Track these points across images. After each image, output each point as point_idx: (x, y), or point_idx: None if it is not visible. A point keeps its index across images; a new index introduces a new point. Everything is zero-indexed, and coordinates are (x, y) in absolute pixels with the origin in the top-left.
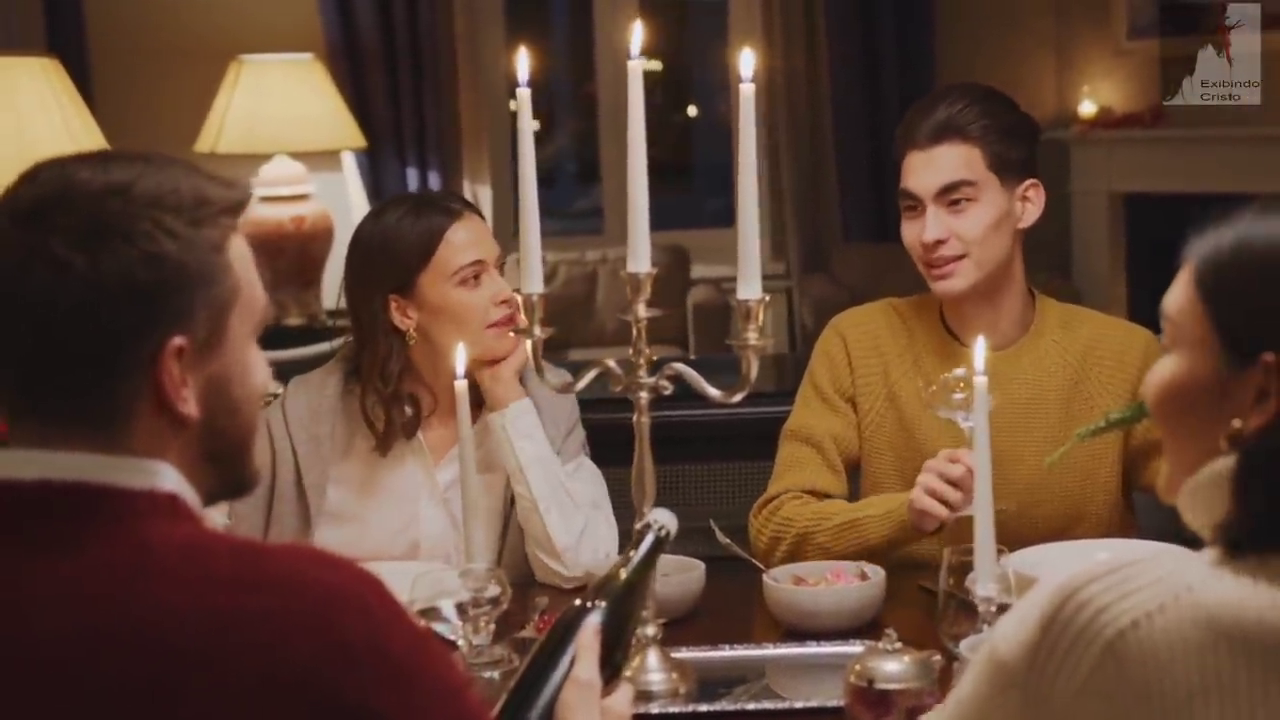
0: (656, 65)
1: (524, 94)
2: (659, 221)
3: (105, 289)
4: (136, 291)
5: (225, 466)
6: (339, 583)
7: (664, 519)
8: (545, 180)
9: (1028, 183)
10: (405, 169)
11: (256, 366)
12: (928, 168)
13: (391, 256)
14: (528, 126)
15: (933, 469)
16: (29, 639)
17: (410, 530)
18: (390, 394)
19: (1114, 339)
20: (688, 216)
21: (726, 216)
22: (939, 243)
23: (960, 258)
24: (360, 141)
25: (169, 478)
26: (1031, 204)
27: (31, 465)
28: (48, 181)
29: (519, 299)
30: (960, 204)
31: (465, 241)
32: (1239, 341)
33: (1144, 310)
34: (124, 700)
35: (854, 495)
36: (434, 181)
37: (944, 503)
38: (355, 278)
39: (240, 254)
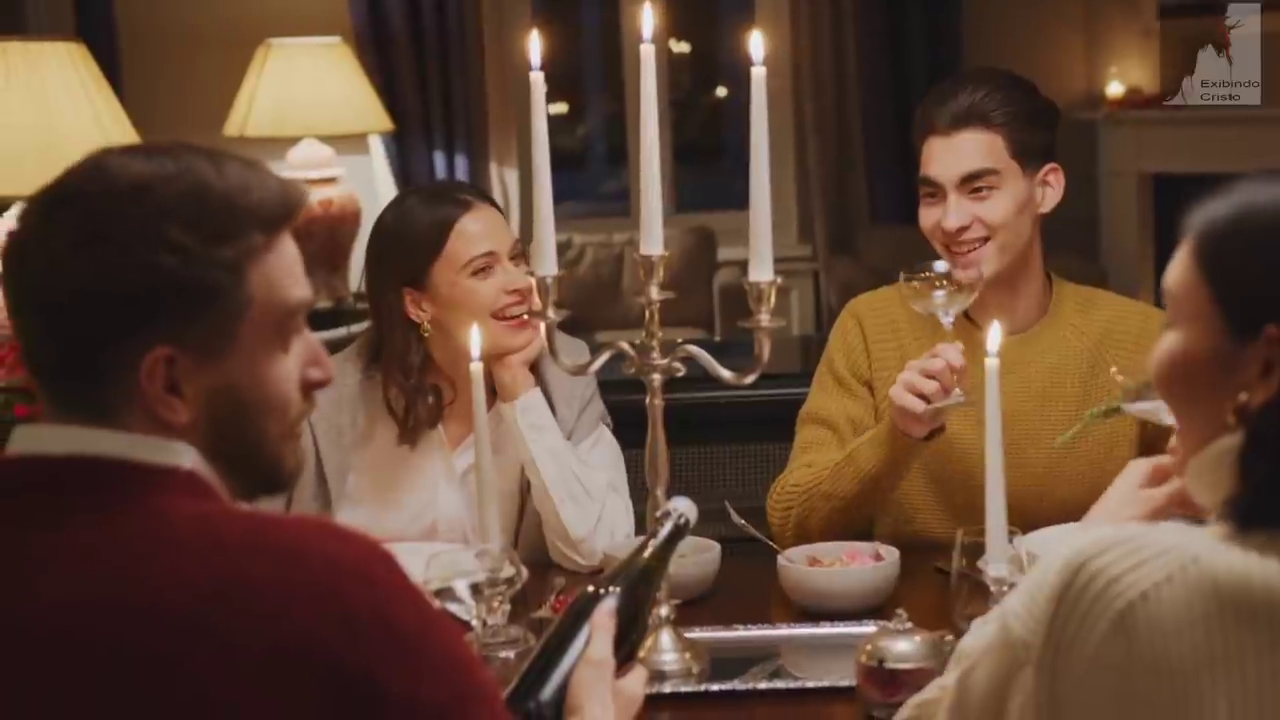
0: (685, 47)
1: (537, 77)
2: (688, 203)
3: (85, 292)
4: (114, 299)
5: (242, 468)
6: (346, 553)
7: (684, 508)
8: (575, 162)
9: (1048, 167)
10: (432, 153)
11: (275, 372)
12: (950, 154)
13: (404, 249)
14: (541, 110)
15: (913, 365)
16: (43, 606)
17: (428, 514)
18: (413, 386)
19: (1132, 321)
20: (717, 198)
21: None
22: (962, 229)
23: (984, 240)
24: (388, 125)
25: (189, 456)
26: (1052, 188)
27: (60, 440)
28: (82, 169)
29: (534, 287)
30: (982, 191)
31: (477, 233)
32: (1241, 315)
33: None
34: (130, 667)
35: None
36: (461, 165)
37: (921, 396)
38: (372, 270)
39: (269, 266)
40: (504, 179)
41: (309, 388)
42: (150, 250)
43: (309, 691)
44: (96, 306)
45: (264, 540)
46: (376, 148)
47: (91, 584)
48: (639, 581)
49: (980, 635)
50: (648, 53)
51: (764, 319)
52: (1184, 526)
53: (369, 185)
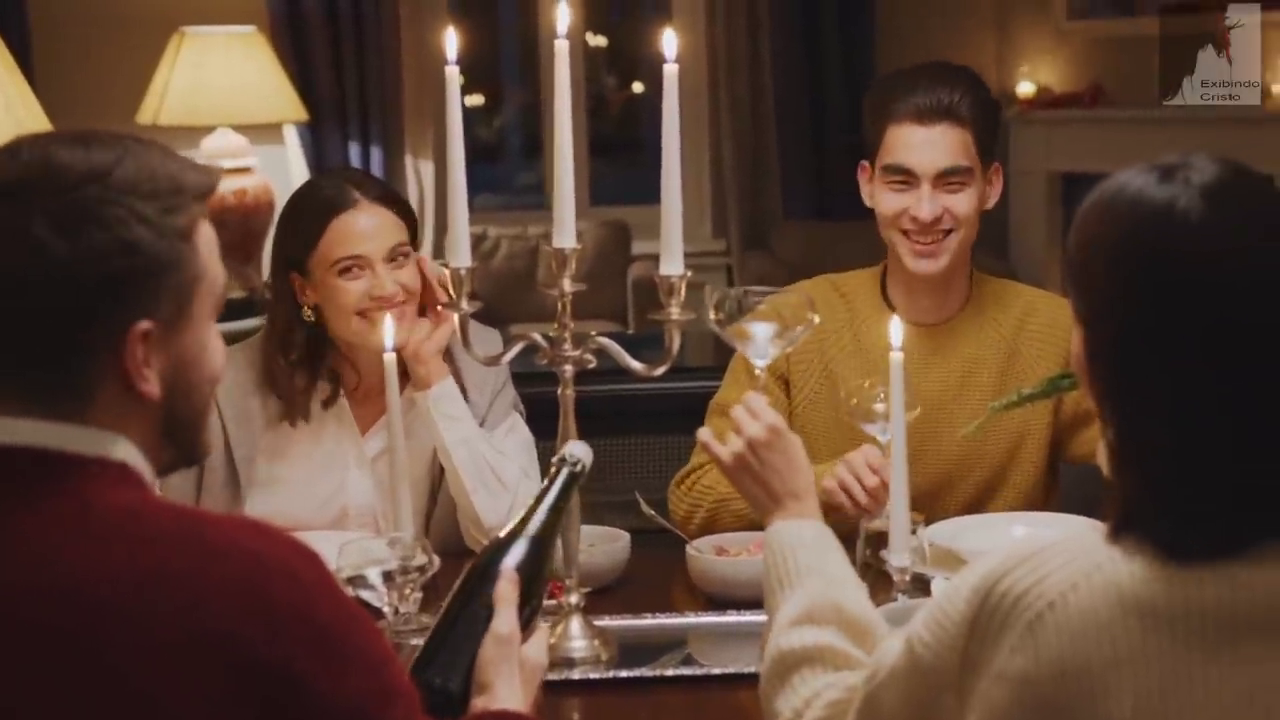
0: (603, 41)
1: (452, 71)
2: (603, 197)
3: (80, 273)
4: (109, 277)
5: (180, 441)
6: (269, 550)
7: (579, 452)
8: (491, 155)
9: (994, 165)
10: (347, 143)
11: (214, 347)
12: (929, 146)
13: (291, 233)
14: (456, 103)
15: (851, 467)
16: None
17: (338, 498)
18: (294, 364)
19: (1044, 311)
20: (633, 192)
21: None
22: (936, 220)
23: (947, 233)
24: (303, 115)
25: (121, 448)
26: (994, 186)
27: None
28: (30, 161)
29: (402, 295)
30: (954, 185)
31: (350, 233)
32: (1083, 319)
33: None
34: (50, 652)
35: None
36: (375, 156)
37: (852, 500)
38: (273, 248)
39: (206, 239)
40: (419, 171)
41: None
42: (126, 226)
43: (228, 684)
44: (86, 288)
45: (190, 533)
46: (291, 138)
47: (13, 569)
48: (538, 536)
49: (888, 651)
50: (562, 48)
51: (674, 312)
52: (1086, 535)
53: (283, 175)
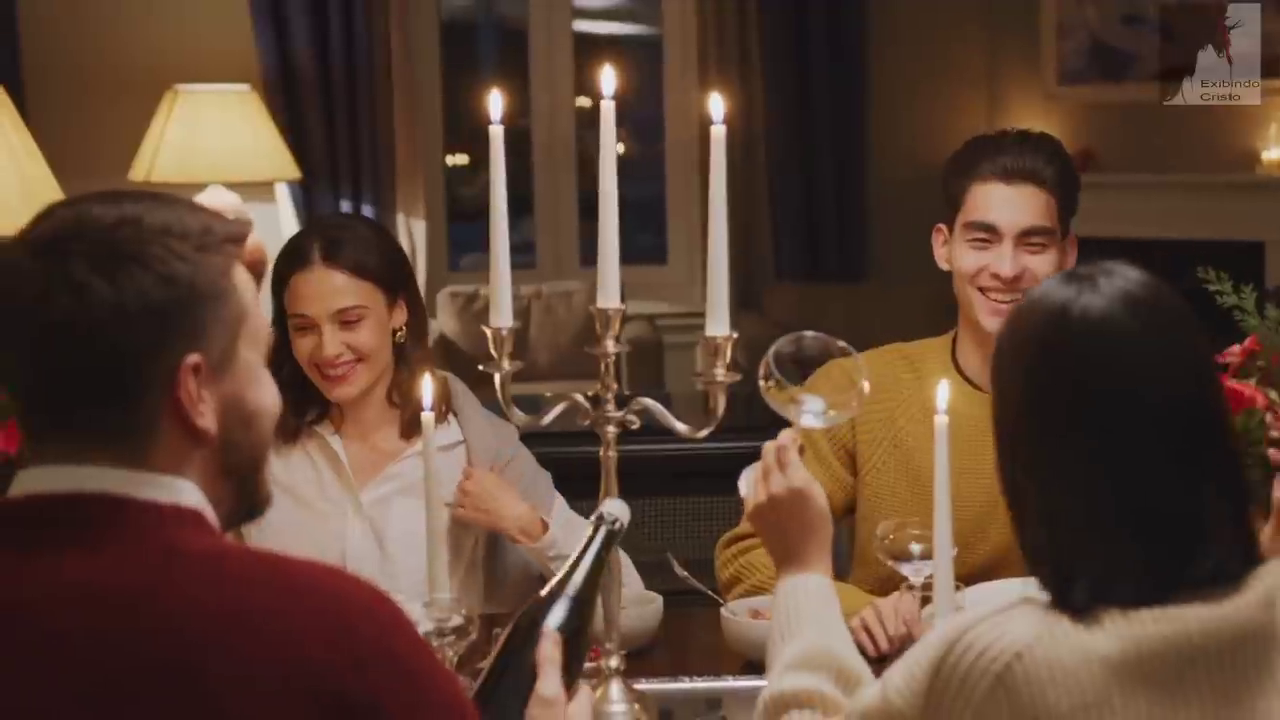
0: (585, 102)
1: (496, 131)
2: (590, 257)
3: (124, 309)
4: (153, 310)
5: (242, 484)
6: (348, 590)
7: (616, 510)
8: (474, 216)
9: (1070, 236)
10: (339, 201)
11: (267, 387)
12: (1012, 205)
13: (276, 267)
14: (500, 163)
15: (880, 613)
16: (53, 632)
17: (336, 546)
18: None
19: None
20: (624, 252)
21: (657, 252)
22: (1016, 278)
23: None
24: (295, 173)
25: (193, 495)
26: (1069, 257)
27: (62, 479)
28: (62, 217)
29: (348, 355)
30: (1035, 246)
31: (298, 293)
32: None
33: None
34: (151, 690)
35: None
36: (367, 214)
37: (873, 643)
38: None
39: (244, 281)
40: (410, 229)
41: None
42: (164, 261)
43: (321, 717)
44: (135, 326)
45: (275, 575)
46: (283, 195)
47: (107, 613)
48: (579, 595)
49: (864, 696)
50: (608, 109)
51: (719, 374)
52: (1037, 597)
53: (275, 233)
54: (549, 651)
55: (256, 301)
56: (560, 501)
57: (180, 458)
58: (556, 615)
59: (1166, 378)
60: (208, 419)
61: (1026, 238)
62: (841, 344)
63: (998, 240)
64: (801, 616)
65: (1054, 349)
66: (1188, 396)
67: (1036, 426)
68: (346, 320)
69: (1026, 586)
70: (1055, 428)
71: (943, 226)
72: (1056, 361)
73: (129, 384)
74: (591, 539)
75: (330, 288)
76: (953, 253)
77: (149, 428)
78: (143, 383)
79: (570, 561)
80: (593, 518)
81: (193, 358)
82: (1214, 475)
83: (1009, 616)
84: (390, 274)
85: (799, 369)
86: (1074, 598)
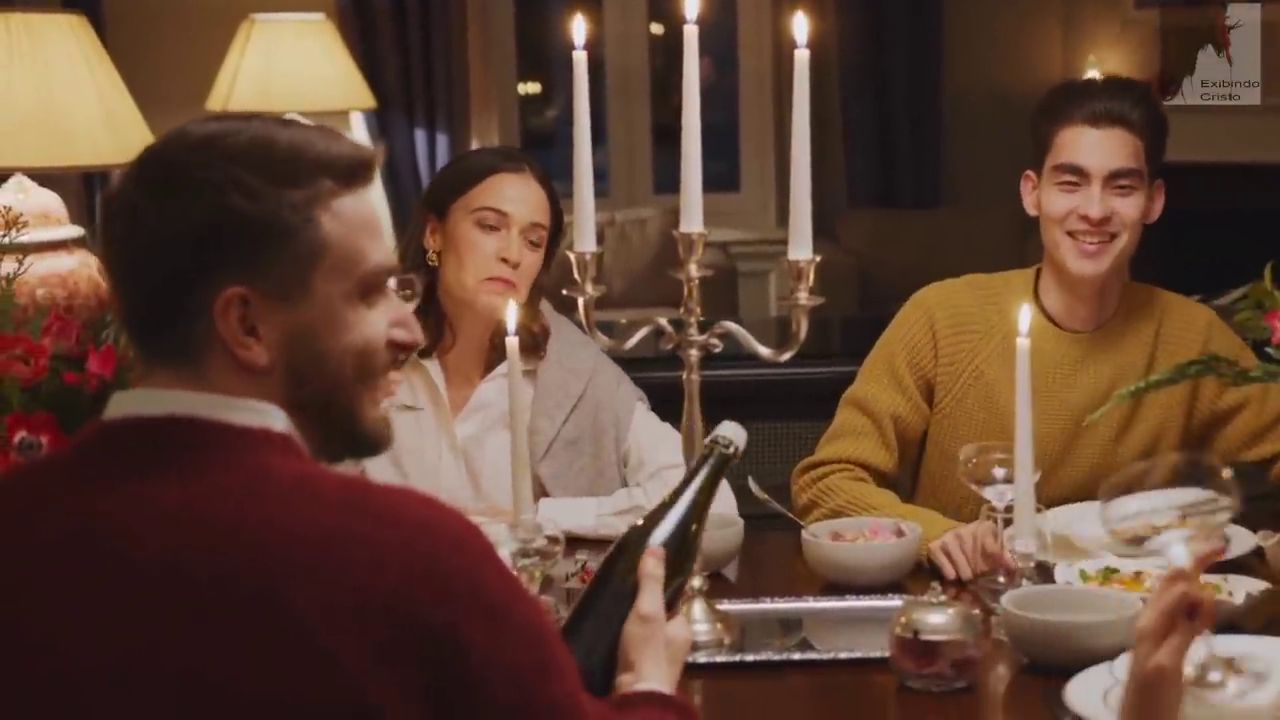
0: (659, 29)
1: (579, 57)
2: (663, 184)
3: (162, 235)
4: (189, 239)
5: (322, 419)
6: (438, 519)
7: (731, 434)
8: (547, 143)
9: (1158, 182)
10: (414, 130)
11: (355, 325)
12: (1101, 148)
13: (446, 175)
14: (583, 90)
15: (961, 541)
16: (144, 555)
17: (429, 481)
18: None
19: (1178, 313)
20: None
21: (729, 180)
22: (1105, 219)
23: (1113, 237)
24: (370, 102)
25: (281, 419)
26: (1156, 202)
27: (156, 402)
28: (166, 136)
29: (521, 271)
30: (1124, 189)
31: (504, 191)
32: None
33: (1173, 280)
34: (237, 611)
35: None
36: (441, 143)
37: (954, 566)
38: (424, 191)
39: (345, 214)
40: None
41: (394, 347)
42: (219, 193)
43: (394, 643)
44: (174, 251)
45: (363, 499)
46: (358, 124)
47: (198, 531)
48: (686, 515)
49: None
50: (691, 33)
51: (802, 297)
52: None
53: None
54: (651, 568)
55: (359, 236)
56: (640, 411)
57: (244, 384)
58: (661, 532)
59: None
60: (254, 351)
61: (1115, 180)
62: None
63: (1086, 182)
64: None
65: None
66: None
67: None
68: (534, 236)
69: (1105, 509)
70: None
71: (1031, 173)
72: None
73: (177, 307)
74: (704, 461)
75: (535, 198)
76: (1041, 197)
77: (201, 351)
78: (189, 308)
79: (681, 481)
80: (707, 440)
81: (234, 289)
82: None
83: None
84: (560, 220)
85: None
86: None
